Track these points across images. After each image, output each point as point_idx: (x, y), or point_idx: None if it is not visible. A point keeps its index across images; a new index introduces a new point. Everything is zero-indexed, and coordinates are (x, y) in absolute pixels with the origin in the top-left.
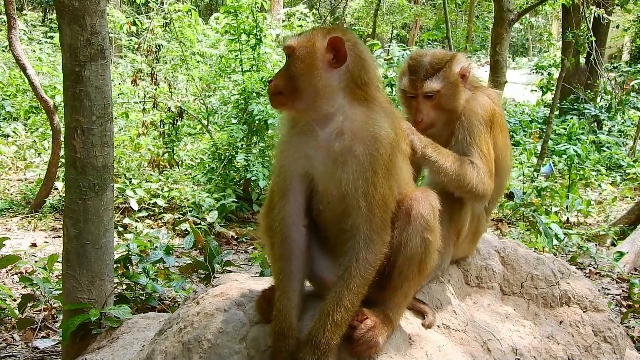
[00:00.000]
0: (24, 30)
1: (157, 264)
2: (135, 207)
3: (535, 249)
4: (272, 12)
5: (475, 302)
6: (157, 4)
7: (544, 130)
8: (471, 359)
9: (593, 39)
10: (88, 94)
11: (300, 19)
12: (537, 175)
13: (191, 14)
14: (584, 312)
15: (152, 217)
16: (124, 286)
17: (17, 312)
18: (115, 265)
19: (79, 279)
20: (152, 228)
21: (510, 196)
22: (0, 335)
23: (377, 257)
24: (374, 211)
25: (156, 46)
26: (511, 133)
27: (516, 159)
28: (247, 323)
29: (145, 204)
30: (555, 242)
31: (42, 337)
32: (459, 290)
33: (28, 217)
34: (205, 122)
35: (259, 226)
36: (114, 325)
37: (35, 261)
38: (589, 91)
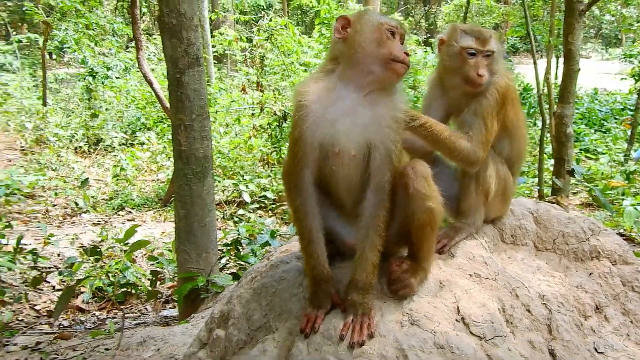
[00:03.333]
0: (154, 52)
1: (265, 247)
2: (248, 199)
3: (624, 229)
4: None
5: (510, 256)
6: (262, 19)
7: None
8: (497, 301)
9: None
10: (188, 96)
11: None
12: (628, 160)
13: (289, 28)
14: (613, 264)
15: (264, 209)
16: (238, 267)
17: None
18: (227, 247)
19: (188, 252)
20: (261, 217)
21: (571, 172)
22: (136, 307)
23: (390, 203)
24: (396, 165)
25: (260, 57)
26: (601, 121)
27: (606, 146)
28: (303, 272)
29: (256, 197)
30: None
31: (170, 308)
32: (494, 246)
33: (159, 210)
34: None
35: (285, 189)
36: (218, 290)
37: (168, 248)
38: None
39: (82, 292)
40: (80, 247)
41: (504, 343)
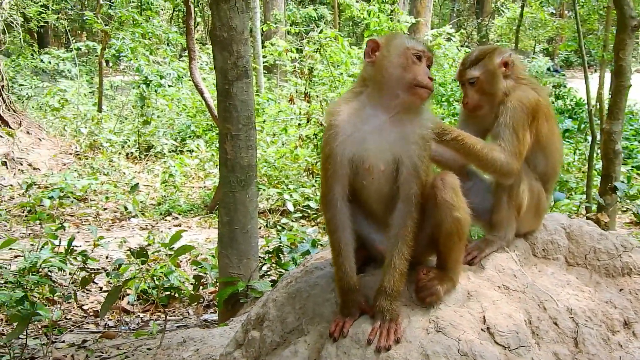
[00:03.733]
0: (207, 62)
1: (305, 255)
2: (291, 208)
3: None
4: (420, 34)
5: (540, 270)
6: (313, 31)
7: None
8: (524, 313)
9: None
10: (235, 106)
11: (448, 39)
12: None
13: (338, 40)
14: None
15: (306, 218)
16: (278, 274)
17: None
18: (269, 255)
19: (230, 257)
20: (304, 226)
21: (614, 189)
22: (179, 310)
23: (418, 214)
24: (424, 180)
25: (309, 68)
26: None
27: None
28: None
29: (300, 206)
30: None
31: (210, 312)
32: (525, 260)
33: (205, 217)
34: None
35: (321, 204)
36: (257, 295)
37: (212, 254)
38: None
39: (127, 294)
40: (128, 250)
41: (528, 353)
